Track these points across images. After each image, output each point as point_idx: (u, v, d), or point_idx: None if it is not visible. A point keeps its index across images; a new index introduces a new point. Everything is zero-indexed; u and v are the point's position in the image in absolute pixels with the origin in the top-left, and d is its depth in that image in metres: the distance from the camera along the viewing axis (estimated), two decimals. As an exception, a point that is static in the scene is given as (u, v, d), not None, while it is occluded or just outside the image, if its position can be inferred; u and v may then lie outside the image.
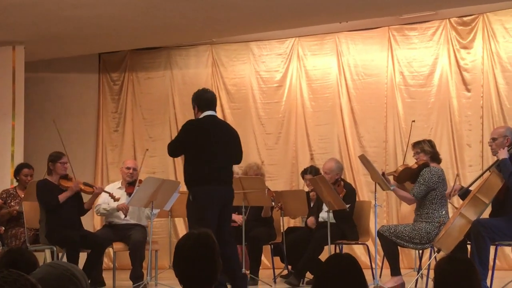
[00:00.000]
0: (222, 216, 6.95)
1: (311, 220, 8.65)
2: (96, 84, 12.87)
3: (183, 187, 10.97)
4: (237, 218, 8.69)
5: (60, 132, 9.02)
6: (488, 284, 6.64)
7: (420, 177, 7.61)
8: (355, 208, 8.72)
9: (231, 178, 7.15)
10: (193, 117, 7.29)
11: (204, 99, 7.22)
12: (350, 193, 8.46)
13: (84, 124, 12.72)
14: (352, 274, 2.96)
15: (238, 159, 7.35)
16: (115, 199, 8.48)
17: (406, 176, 7.77)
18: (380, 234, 7.52)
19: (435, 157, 7.86)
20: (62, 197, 8.18)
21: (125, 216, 8.63)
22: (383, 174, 7.71)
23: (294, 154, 11.86)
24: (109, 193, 8.50)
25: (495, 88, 10.68)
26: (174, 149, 7.20)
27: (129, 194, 8.65)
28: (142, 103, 12.64)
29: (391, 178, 7.81)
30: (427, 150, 7.80)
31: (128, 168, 8.91)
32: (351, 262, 3.01)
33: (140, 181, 8.91)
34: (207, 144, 6.96)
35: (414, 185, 7.66)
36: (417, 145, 7.87)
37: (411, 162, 8.03)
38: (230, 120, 12.14)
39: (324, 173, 8.53)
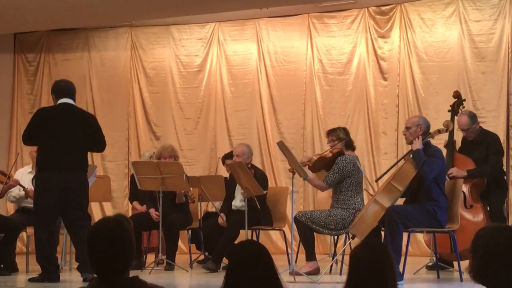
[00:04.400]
0: (69, 201, 7.08)
1: (220, 220, 8.59)
2: (11, 65, 12.58)
3: (99, 171, 10.89)
4: (155, 215, 8.60)
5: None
6: (401, 269, 6.77)
7: (335, 165, 7.69)
8: (272, 193, 8.77)
9: (75, 164, 7.18)
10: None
11: (59, 87, 7.38)
12: (261, 179, 8.45)
13: (-2, 105, 12.44)
14: (258, 259, 3.09)
15: (98, 146, 7.48)
16: (26, 192, 8.33)
17: (321, 165, 7.83)
18: (296, 220, 7.57)
19: (350, 145, 7.95)
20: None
21: None
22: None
23: (213, 140, 11.85)
24: (23, 187, 8.35)
25: (411, 77, 10.88)
26: (24, 136, 7.30)
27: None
28: (58, 85, 12.39)
29: (305, 168, 7.86)
30: (342, 137, 7.88)
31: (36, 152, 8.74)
32: (257, 248, 3.15)
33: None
34: (51, 130, 7.09)
35: (328, 173, 7.73)
36: (332, 132, 7.93)
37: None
38: (148, 104, 12.07)
39: (236, 157, 8.54)
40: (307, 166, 7.80)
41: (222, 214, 8.58)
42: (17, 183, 8.34)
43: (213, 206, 9.08)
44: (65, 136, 7.08)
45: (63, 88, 7.34)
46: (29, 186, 8.41)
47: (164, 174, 8.22)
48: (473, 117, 8.22)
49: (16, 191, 8.55)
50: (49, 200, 7.01)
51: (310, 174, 7.88)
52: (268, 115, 11.65)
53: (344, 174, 7.63)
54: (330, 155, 7.79)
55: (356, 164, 7.72)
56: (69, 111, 7.28)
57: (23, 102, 12.53)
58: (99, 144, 7.41)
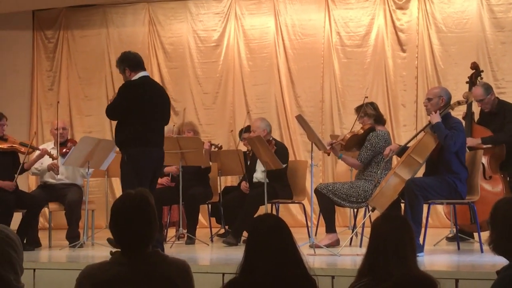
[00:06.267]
0: (152, 178, 7.05)
1: (243, 185, 8.64)
2: (30, 42, 12.61)
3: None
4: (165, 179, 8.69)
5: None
6: (421, 241, 6.79)
7: (367, 142, 7.67)
8: (291, 167, 8.79)
9: (163, 140, 7.17)
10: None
11: (133, 58, 7.16)
12: (281, 152, 8.46)
13: (18, 82, 12.47)
14: (277, 232, 3.16)
15: (167, 121, 7.39)
16: (54, 158, 8.40)
17: (353, 143, 7.81)
18: (317, 192, 7.58)
19: (380, 120, 7.90)
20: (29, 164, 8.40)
21: (57, 174, 8.51)
22: (332, 144, 7.73)
23: (231, 114, 11.86)
24: (49, 153, 8.42)
25: (430, 49, 10.83)
26: (114, 112, 7.09)
27: (62, 155, 8.55)
28: (77, 62, 12.45)
29: (339, 146, 7.86)
30: (371, 113, 7.83)
31: (57, 129, 8.76)
32: (275, 221, 3.23)
33: (72, 141, 8.84)
34: (144, 106, 6.93)
35: (361, 150, 7.72)
36: (359, 109, 7.91)
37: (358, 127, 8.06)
38: (167, 79, 12.07)
39: (252, 131, 8.58)
40: (340, 145, 7.80)
41: (244, 182, 8.65)
42: (46, 151, 8.40)
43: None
44: (155, 112, 7.00)
45: (139, 60, 7.15)
46: (49, 162, 8.49)
47: (184, 149, 8.26)
48: (487, 88, 8.17)
49: (38, 163, 8.60)
50: (146, 177, 6.88)
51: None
52: (286, 88, 11.63)
53: (377, 151, 7.62)
54: (362, 131, 7.78)
55: (388, 140, 7.68)
56: (156, 85, 7.28)
57: (42, 79, 12.59)
58: (168, 119, 7.34)
